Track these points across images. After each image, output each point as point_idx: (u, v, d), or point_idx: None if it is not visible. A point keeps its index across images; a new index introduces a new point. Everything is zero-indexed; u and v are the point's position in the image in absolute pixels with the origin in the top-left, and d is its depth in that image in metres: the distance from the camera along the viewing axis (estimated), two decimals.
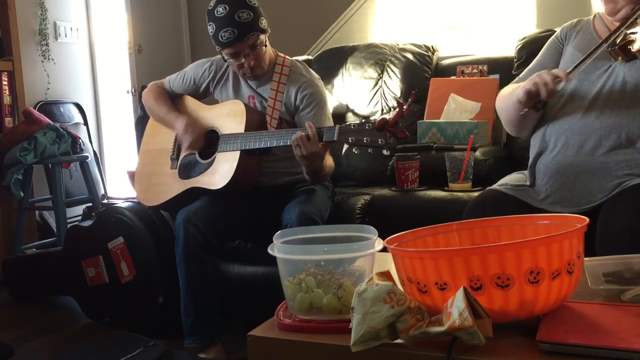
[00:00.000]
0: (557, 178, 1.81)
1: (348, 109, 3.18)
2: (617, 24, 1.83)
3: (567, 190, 1.79)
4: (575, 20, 2.02)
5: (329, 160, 2.23)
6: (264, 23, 2.28)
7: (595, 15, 1.98)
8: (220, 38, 2.24)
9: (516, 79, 2.08)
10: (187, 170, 2.41)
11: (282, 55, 2.42)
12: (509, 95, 1.93)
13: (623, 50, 1.78)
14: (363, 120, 1.98)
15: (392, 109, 3.08)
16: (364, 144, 1.97)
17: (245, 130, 2.27)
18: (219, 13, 2.23)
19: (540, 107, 1.84)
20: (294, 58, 2.51)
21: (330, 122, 2.34)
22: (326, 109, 2.36)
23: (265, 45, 2.31)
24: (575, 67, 1.79)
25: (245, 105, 2.34)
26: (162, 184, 2.47)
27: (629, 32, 1.77)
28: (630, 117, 1.76)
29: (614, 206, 1.67)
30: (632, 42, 1.76)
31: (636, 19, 1.77)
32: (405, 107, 1.92)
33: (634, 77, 1.79)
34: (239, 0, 2.23)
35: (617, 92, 1.80)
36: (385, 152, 1.97)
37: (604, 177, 1.74)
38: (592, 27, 1.95)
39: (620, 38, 1.77)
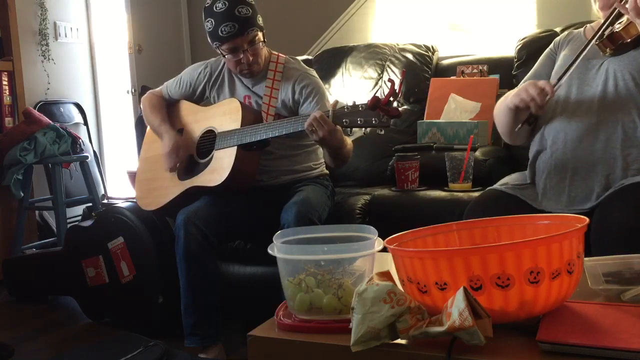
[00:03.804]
0: (556, 174, 1.83)
1: None
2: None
3: (566, 185, 1.80)
4: (566, 32, 2.10)
5: (347, 139, 2.25)
6: (260, 20, 2.33)
7: (585, 27, 2.04)
8: (220, 33, 2.26)
9: (515, 89, 2.10)
10: (186, 171, 2.41)
11: (276, 53, 2.45)
12: (502, 104, 1.97)
13: (610, 39, 1.82)
14: (355, 102, 2.00)
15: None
16: (358, 124, 1.99)
17: (241, 126, 2.28)
18: (218, 8, 2.26)
19: (532, 122, 1.89)
20: (300, 58, 2.52)
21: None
22: (326, 95, 2.40)
23: (263, 41, 2.35)
24: (564, 73, 1.84)
25: (241, 102, 2.36)
26: (161, 187, 2.48)
27: (616, 23, 1.81)
28: (626, 111, 1.79)
29: (610, 205, 1.68)
30: (617, 28, 1.81)
31: (617, 10, 1.79)
32: (397, 85, 1.93)
33: (624, 72, 1.82)
34: None
35: (610, 88, 1.82)
36: (379, 131, 2.00)
37: (601, 171, 1.77)
38: (582, 35, 2.01)
39: (604, 28, 1.82)
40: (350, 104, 2.01)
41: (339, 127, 2.10)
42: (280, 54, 2.45)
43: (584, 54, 1.82)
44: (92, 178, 3.91)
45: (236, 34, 2.26)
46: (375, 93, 3.10)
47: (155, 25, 4.38)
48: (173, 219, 2.35)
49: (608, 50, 1.84)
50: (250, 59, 2.32)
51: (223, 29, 2.26)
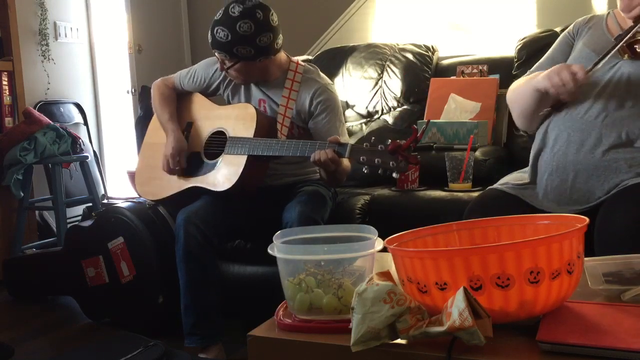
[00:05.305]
0: (557, 175, 1.81)
1: (348, 106, 3.19)
2: (630, 21, 1.82)
3: (567, 187, 1.79)
4: (589, 15, 2.01)
5: (345, 162, 2.22)
6: (242, 52, 2.21)
7: (609, 13, 1.97)
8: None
9: (528, 72, 2.07)
10: (190, 168, 2.40)
11: (295, 60, 2.40)
12: (524, 85, 1.91)
13: (630, 48, 1.78)
14: (374, 140, 1.98)
15: (391, 109, 3.08)
16: (375, 165, 1.96)
17: (254, 135, 2.25)
18: (219, 32, 2.21)
19: (559, 107, 1.82)
20: (300, 58, 2.50)
21: (344, 128, 2.36)
22: (340, 114, 2.36)
23: (255, 59, 2.25)
24: (594, 65, 1.77)
25: (257, 109, 2.32)
26: (163, 178, 2.45)
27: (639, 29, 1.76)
28: (633, 116, 1.76)
29: (613, 205, 1.66)
30: (639, 41, 1.76)
31: None
32: (419, 132, 1.93)
33: (638, 76, 1.78)
34: (240, 33, 2.18)
35: (620, 90, 1.79)
36: (395, 175, 1.97)
37: (603, 175, 1.74)
38: (604, 23, 1.94)
39: (630, 35, 1.77)
40: (371, 142, 1.98)
41: (340, 162, 2.10)
42: (299, 62, 2.40)
43: (611, 54, 1.77)
44: (92, 178, 3.91)
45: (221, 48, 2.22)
46: (376, 92, 3.10)
47: (155, 25, 4.38)
48: (170, 213, 2.33)
49: (626, 56, 1.79)
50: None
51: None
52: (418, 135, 1.92)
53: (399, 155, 1.93)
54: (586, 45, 1.91)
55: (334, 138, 2.07)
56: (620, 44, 1.77)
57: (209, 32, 2.25)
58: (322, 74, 2.43)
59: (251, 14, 2.17)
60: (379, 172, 1.98)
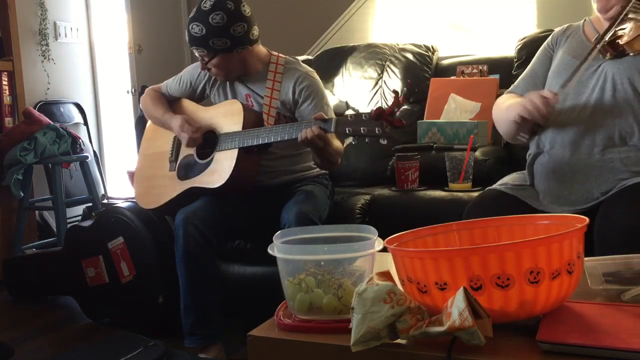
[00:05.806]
0: (555, 177, 1.82)
1: (348, 107, 3.18)
2: (607, 24, 1.85)
3: (565, 189, 1.80)
4: (565, 25, 2.06)
5: (335, 142, 2.23)
6: (218, 43, 2.24)
7: (585, 20, 2.01)
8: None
9: (511, 87, 2.09)
10: (185, 171, 2.41)
11: (276, 53, 2.44)
12: (505, 112, 1.95)
13: (612, 46, 1.81)
14: (359, 112, 1.99)
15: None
16: (361, 134, 1.97)
17: (243, 129, 2.28)
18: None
19: (539, 131, 1.87)
20: (300, 58, 2.52)
21: (330, 111, 2.37)
22: (325, 98, 2.38)
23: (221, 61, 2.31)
24: (568, 80, 1.81)
25: (242, 104, 2.35)
26: (161, 186, 2.47)
27: (618, 28, 1.80)
28: (623, 115, 1.79)
29: (612, 206, 1.67)
30: (620, 37, 1.80)
31: (625, 15, 1.79)
32: (400, 95, 1.93)
33: (622, 75, 1.81)
34: (210, 17, 2.21)
35: (607, 91, 1.82)
36: (382, 141, 1.97)
37: (600, 176, 1.76)
38: (581, 31, 1.98)
39: (610, 34, 1.80)
40: (354, 112, 2.00)
41: (330, 141, 2.10)
42: (280, 55, 2.44)
43: (586, 63, 1.80)
44: (92, 178, 3.91)
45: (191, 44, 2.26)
46: (375, 92, 3.10)
47: (155, 25, 4.38)
48: (172, 218, 2.35)
49: (608, 55, 1.83)
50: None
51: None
52: (400, 99, 1.93)
53: (383, 120, 1.93)
54: (567, 53, 1.94)
55: (319, 115, 2.09)
56: (598, 45, 1.80)
57: (185, 30, 2.28)
58: (302, 64, 2.46)
59: (222, 6, 2.22)
60: (366, 140, 1.98)
